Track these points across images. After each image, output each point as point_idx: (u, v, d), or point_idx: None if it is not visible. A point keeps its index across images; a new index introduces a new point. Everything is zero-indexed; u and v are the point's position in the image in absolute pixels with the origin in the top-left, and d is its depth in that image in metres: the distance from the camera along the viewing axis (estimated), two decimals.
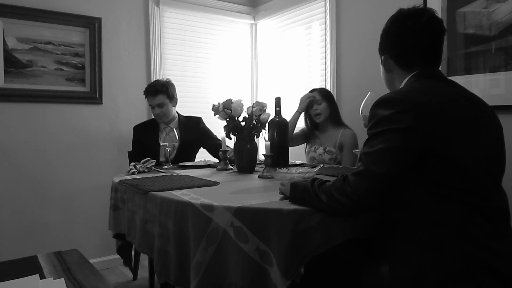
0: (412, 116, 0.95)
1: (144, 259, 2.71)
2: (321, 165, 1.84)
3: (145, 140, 2.43)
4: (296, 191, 1.14)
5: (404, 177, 0.98)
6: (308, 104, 2.39)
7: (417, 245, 0.99)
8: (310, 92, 2.43)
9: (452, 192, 0.95)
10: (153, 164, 2.04)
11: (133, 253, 1.95)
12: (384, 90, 1.30)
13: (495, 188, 1.03)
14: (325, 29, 2.85)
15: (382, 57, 1.20)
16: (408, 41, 1.11)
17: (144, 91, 2.44)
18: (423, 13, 1.10)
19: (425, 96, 1.00)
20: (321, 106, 2.34)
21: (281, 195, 1.22)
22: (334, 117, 2.37)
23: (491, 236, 0.95)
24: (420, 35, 1.10)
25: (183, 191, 1.37)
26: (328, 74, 2.83)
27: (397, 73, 1.17)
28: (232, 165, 2.05)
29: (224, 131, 1.92)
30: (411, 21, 1.10)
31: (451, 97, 1.04)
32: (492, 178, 1.01)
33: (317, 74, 2.97)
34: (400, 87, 1.15)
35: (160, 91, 2.38)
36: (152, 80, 2.97)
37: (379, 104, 1.02)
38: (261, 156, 2.08)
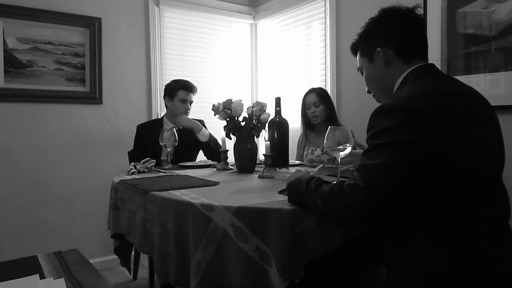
0: (415, 128, 0.90)
1: (144, 259, 2.71)
2: (321, 165, 1.84)
3: (148, 140, 2.44)
4: (293, 193, 1.12)
5: (405, 191, 0.93)
6: (306, 106, 2.40)
7: (416, 253, 0.96)
8: (308, 91, 2.42)
9: (453, 202, 0.92)
10: (153, 164, 2.04)
11: (133, 253, 1.95)
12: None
13: (497, 190, 1.00)
14: (325, 29, 2.86)
15: (378, 50, 1.12)
16: (407, 31, 1.11)
17: (181, 85, 2.49)
18: (403, 8, 1.13)
19: (428, 100, 0.95)
20: (318, 109, 2.35)
21: (285, 194, 1.19)
22: (331, 119, 2.36)
23: (492, 243, 0.92)
24: (415, 26, 1.11)
25: (183, 191, 1.36)
26: (328, 74, 2.83)
27: (395, 67, 1.11)
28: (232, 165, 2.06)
29: (224, 131, 1.92)
30: (402, 15, 1.12)
31: (454, 97, 0.99)
32: (494, 181, 0.99)
33: (317, 74, 2.97)
34: (397, 82, 1.10)
35: (196, 91, 2.55)
36: (152, 80, 2.98)
37: (380, 113, 0.96)
38: (261, 156, 2.08)
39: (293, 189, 1.13)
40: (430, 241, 0.94)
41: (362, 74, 1.23)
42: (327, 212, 1.00)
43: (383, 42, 1.13)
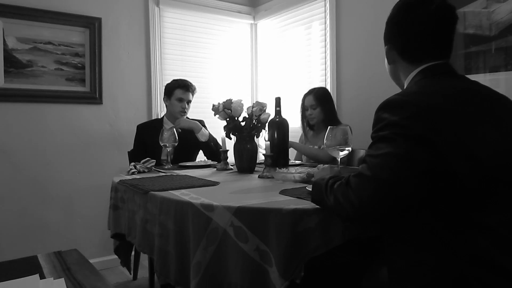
0: (422, 124, 0.85)
1: (144, 259, 2.71)
2: (321, 165, 1.84)
3: (148, 140, 2.44)
4: (314, 192, 1.08)
5: (411, 190, 0.87)
6: (304, 107, 2.43)
7: (419, 263, 0.91)
8: (307, 92, 2.43)
9: (457, 209, 0.86)
10: (153, 164, 2.04)
11: (133, 253, 1.95)
12: (384, 92, 1.29)
13: (506, 197, 0.88)
14: (325, 29, 2.86)
15: (386, 47, 1.10)
16: (414, 32, 1.02)
17: (178, 84, 2.49)
18: (432, 0, 1.00)
19: (436, 98, 0.90)
20: (315, 111, 2.38)
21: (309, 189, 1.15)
22: (330, 119, 2.34)
23: (498, 253, 0.84)
24: (428, 24, 1.00)
25: (183, 191, 1.37)
26: (328, 74, 2.83)
27: (401, 66, 1.07)
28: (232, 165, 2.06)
29: (224, 131, 1.92)
30: (419, 10, 1.00)
31: (467, 96, 0.92)
32: (507, 185, 0.87)
33: (317, 74, 2.97)
34: (405, 82, 1.07)
35: (194, 90, 2.54)
36: (152, 80, 2.99)
37: (385, 107, 0.92)
38: (261, 156, 2.08)
39: (315, 188, 1.08)
40: (433, 250, 0.89)
41: None
42: (336, 208, 0.95)
43: (391, 39, 1.08)
